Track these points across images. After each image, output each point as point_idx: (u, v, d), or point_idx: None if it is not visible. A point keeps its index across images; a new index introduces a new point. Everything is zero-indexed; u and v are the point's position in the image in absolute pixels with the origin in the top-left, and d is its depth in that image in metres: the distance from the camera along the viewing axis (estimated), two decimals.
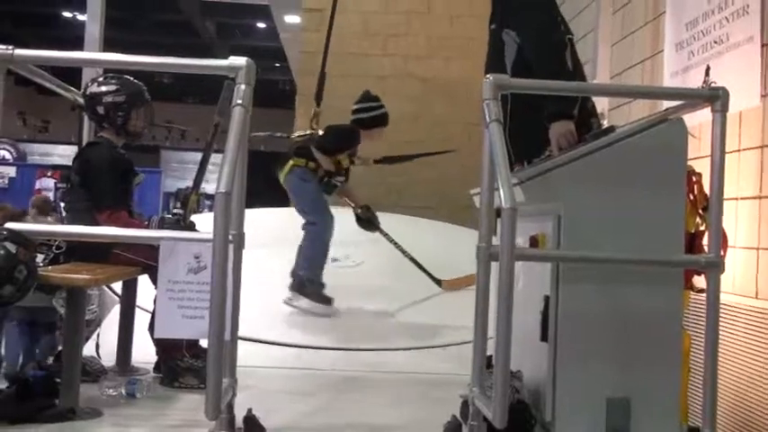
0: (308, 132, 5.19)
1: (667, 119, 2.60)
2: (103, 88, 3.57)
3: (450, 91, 7.49)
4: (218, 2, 15.43)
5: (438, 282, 5.25)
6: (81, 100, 3.69)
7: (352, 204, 5.10)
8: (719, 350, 2.84)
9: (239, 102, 2.33)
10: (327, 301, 4.69)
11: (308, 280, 4.68)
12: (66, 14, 17.60)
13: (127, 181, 3.56)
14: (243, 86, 2.36)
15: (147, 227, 3.51)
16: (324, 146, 4.81)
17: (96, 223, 3.32)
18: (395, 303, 5.03)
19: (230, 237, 2.26)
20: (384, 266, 5.23)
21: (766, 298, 3.13)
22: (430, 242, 5.71)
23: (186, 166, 19.32)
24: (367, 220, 5.05)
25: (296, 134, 6.52)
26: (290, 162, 4.82)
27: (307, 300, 4.65)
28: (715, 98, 2.41)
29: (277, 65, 18.80)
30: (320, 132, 4.96)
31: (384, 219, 5.27)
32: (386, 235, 5.21)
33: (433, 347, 4.39)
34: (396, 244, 5.22)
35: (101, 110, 3.56)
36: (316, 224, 4.74)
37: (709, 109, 2.43)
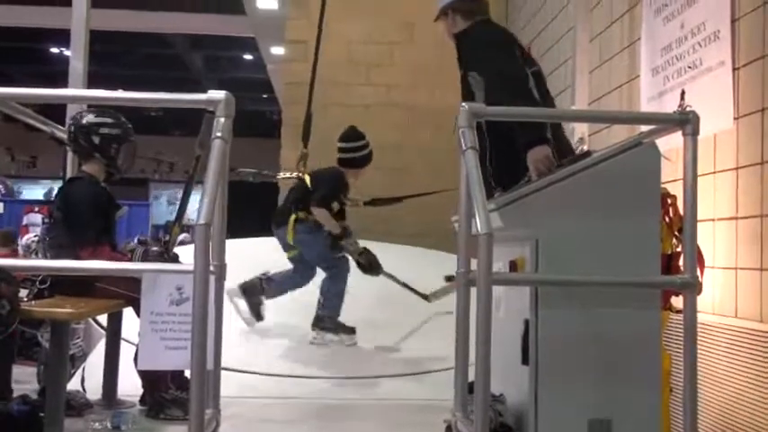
0: (295, 174, 5.18)
1: (641, 143, 2.64)
2: (100, 119, 3.63)
3: (435, 119, 7.53)
4: (206, 35, 15.55)
5: (425, 297, 5.24)
6: (59, 133, 3.72)
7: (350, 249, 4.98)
8: (701, 370, 2.87)
9: (218, 134, 2.35)
10: (350, 330, 4.81)
11: (328, 318, 4.79)
12: (54, 50, 17.70)
13: (109, 215, 3.59)
14: (222, 119, 2.39)
15: (131, 260, 3.53)
16: (319, 201, 4.71)
17: (79, 258, 3.33)
18: (378, 332, 5.03)
19: (211, 268, 2.28)
20: (368, 296, 5.23)
21: (746, 317, 3.16)
22: (419, 270, 5.72)
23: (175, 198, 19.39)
24: (368, 265, 4.96)
25: (282, 174, 6.50)
26: (293, 217, 4.78)
27: (332, 334, 4.77)
28: (685, 122, 2.45)
29: (265, 96, 18.93)
30: (307, 177, 4.90)
31: (372, 248, 5.24)
32: (388, 275, 5.17)
33: (417, 374, 4.39)
34: (390, 276, 5.18)
35: (96, 140, 3.60)
36: (336, 269, 4.83)
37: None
